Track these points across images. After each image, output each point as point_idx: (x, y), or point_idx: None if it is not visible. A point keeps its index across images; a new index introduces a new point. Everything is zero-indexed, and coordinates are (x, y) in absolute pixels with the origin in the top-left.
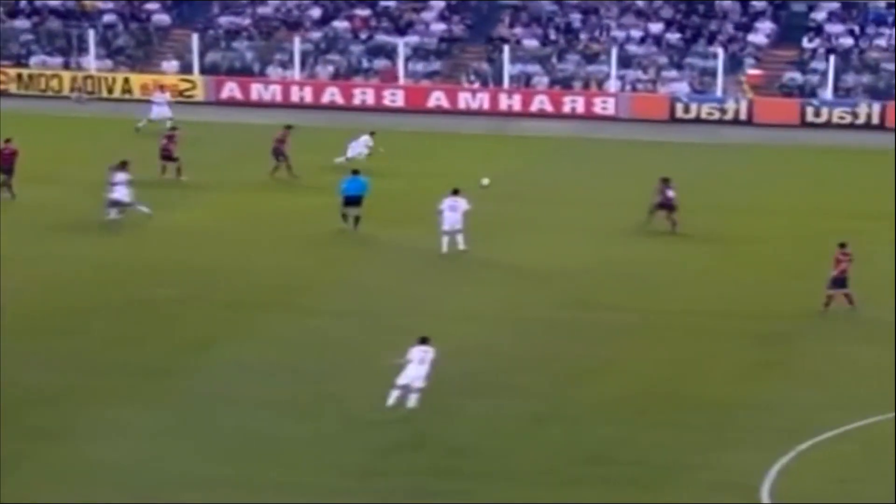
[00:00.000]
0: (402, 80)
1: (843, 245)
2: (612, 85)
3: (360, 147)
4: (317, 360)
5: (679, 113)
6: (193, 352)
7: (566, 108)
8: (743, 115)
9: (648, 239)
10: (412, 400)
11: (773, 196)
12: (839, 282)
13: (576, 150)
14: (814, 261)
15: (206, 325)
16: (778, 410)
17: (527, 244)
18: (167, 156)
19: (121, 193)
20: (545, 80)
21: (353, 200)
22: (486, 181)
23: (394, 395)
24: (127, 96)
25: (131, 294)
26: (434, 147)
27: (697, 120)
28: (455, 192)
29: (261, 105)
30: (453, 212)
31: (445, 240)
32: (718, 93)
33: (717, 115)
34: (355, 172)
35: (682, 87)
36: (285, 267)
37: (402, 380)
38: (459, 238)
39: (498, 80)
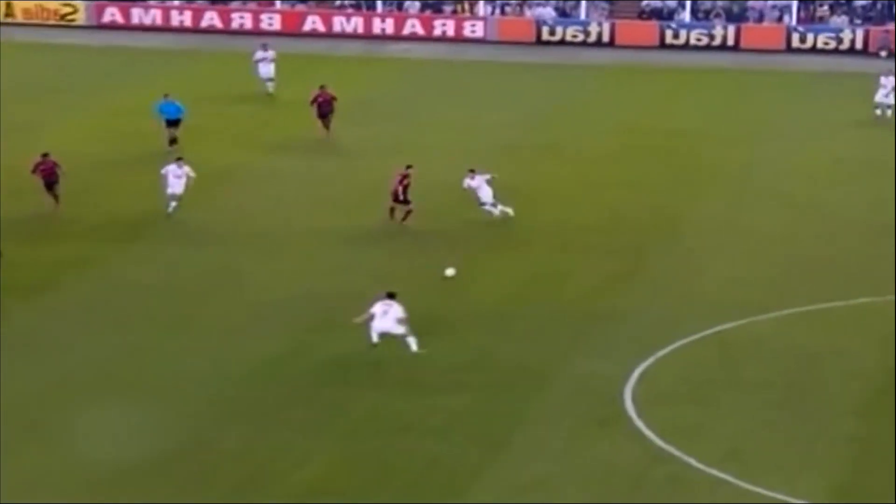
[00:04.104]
0: (278, 5)
1: (409, 167)
2: (482, 9)
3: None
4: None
5: (545, 36)
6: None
7: (437, 32)
8: (605, 38)
9: (508, 157)
10: (412, 345)
11: (629, 115)
12: (394, 196)
13: (445, 72)
14: (663, 177)
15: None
16: (635, 320)
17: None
18: None
19: None
20: (417, 4)
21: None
22: (450, 272)
23: (374, 338)
24: (9, 20)
25: None
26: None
27: (562, 42)
28: None
29: (141, 29)
30: None
31: None
32: (582, 16)
33: (580, 38)
34: (166, 96)
35: (548, 12)
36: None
37: (374, 330)
38: None
39: (371, 5)
